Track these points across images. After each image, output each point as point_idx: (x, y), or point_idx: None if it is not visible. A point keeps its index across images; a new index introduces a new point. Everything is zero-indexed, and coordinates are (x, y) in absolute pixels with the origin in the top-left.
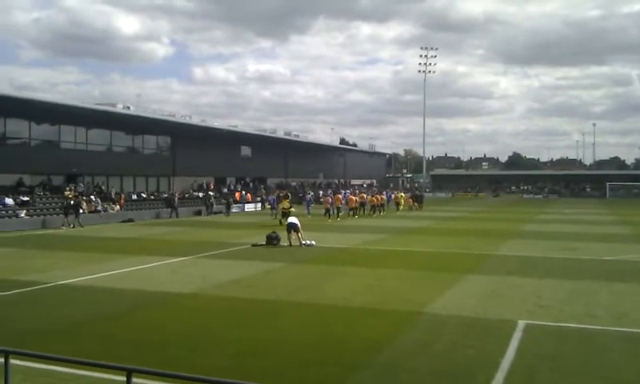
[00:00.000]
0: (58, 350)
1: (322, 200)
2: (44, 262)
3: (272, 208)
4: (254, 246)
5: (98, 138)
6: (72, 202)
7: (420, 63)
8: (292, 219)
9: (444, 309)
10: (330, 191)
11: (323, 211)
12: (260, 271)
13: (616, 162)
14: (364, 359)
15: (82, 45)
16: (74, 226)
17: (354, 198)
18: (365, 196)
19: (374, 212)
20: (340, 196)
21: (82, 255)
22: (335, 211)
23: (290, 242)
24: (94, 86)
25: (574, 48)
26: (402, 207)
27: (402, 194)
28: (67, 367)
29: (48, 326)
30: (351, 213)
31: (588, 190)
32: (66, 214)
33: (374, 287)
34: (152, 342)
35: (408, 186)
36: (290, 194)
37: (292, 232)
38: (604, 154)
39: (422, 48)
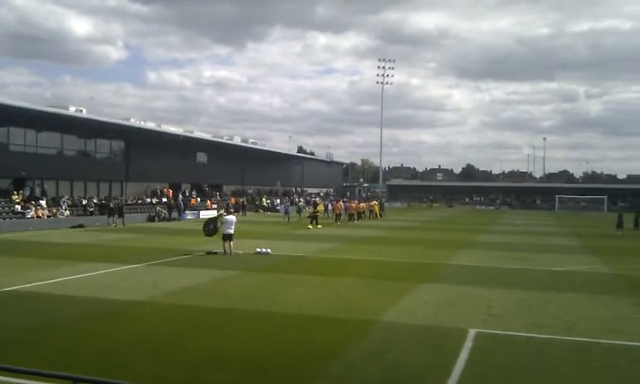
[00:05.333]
0: (3, 360)
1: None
2: None
3: (285, 213)
4: (208, 253)
5: (48, 141)
6: (116, 205)
7: (378, 74)
8: (230, 230)
9: (397, 317)
10: (331, 199)
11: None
12: (214, 279)
13: (565, 176)
14: (318, 369)
15: (33, 45)
16: (116, 225)
17: (352, 205)
18: (360, 204)
19: (359, 218)
20: (340, 204)
21: (29, 261)
22: (336, 217)
23: (225, 250)
24: (45, 88)
25: (524, 64)
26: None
27: (376, 203)
28: (11, 376)
29: None
30: (350, 219)
31: (538, 202)
32: (109, 215)
33: (328, 296)
34: (101, 351)
35: (364, 195)
36: (317, 202)
37: (228, 241)
38: (554, 168)
39: (379, 59)
